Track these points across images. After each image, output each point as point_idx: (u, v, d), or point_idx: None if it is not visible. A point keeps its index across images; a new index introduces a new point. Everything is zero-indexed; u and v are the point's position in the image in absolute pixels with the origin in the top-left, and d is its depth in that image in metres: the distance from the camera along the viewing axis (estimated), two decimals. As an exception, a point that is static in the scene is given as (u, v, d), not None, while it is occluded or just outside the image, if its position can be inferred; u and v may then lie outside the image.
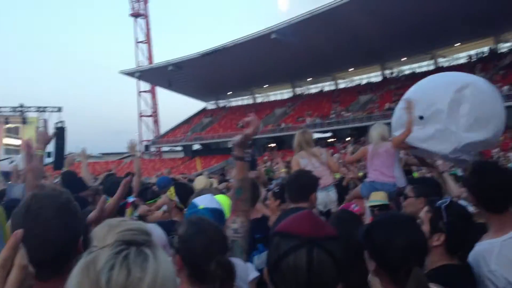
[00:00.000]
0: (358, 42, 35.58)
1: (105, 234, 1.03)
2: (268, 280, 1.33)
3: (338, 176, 7.78)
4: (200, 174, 10.80)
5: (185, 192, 3.66)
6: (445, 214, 2.15)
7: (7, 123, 38.03)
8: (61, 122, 36.32)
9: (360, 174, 8.45)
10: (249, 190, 2.47)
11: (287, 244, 1.25)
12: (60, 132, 35.31)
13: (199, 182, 5.64)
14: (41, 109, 39.09)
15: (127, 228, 1.04)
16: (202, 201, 2.61)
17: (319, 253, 1.22)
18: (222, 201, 2.80)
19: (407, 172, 5.83)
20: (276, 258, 1.26)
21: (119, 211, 3.23)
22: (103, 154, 59.65)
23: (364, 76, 46.57)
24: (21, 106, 37.86)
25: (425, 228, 2.14)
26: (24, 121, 38.96)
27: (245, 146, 2.51)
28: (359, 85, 45.80)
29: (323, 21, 32.45)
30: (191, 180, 7.67)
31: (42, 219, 1.48)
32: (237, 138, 2.47)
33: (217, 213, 2.46)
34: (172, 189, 3.66)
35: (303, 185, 3.27)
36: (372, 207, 4.16)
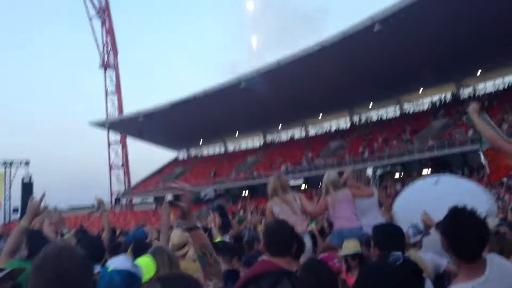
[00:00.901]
0: (326, 90, 36.56)
1: None
2: None
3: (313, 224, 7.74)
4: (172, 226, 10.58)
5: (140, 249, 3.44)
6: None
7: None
8: (28, 176, 35.72)
9: (312, 225, 8.35)
10: (214, 250, 2.44)
11: (271, 278, 1.31)
12: (27, 187, 34.37)
13: (175, 237, 5.52)
14: (7, 163, 38.15)
15: None
16: (113, 262, 2.45)
17: (296, 281, 1.30)
18: (144, 263, 2.64)
19: None
20: None
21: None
22: (72, 208, 58.07)
23: (334, 122, 47.53)
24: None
25: None
26: (-11, 176, 37.87)
27: (191, 216, 2.50)
28: (329, 131, 46.63)
29: (291, 70, 33.32)
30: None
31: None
32: (180, 213, 2.50)
33: (126, 274, 2.26)
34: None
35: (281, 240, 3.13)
36: (345, 256, 4.17)
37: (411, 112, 41.13)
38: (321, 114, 46.05)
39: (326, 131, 47.08)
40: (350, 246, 4.22)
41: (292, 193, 5.67)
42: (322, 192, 5.48)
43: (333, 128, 46.74)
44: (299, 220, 5.11)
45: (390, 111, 42.81)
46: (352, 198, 5.11)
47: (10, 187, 38.14)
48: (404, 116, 40.48)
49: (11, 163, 38.21)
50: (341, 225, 5.07)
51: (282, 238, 2.91)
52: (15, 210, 36.89)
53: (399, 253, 2.03)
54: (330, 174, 5.47)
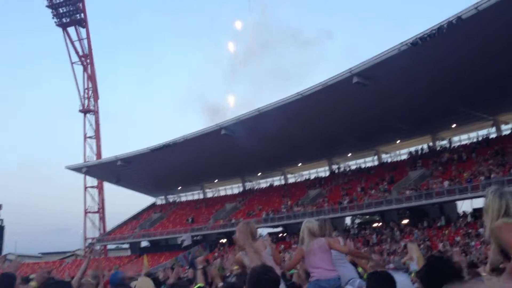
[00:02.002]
0: (306, 138, 36.96)
1: None
2: None
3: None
4: (149, 274, 10.29)
5: None
6: None
7: None
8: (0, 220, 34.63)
9: (293, 271, 8.21)
10: None
11: None
12: (-3, 231, 33.17)
13: (144, 284, 5.38)
14: (-22, 206, 37.06)
15: None
16: None
17: None
18: None
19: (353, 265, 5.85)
20: None
21: None
22: (44, 253, 56.21)
23: (313, 170, 47.72)
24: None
25: None
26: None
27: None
28: (308, 179, 46.76)
29: (271, 118, 33.66)
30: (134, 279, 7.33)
31: None
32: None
33: None
34: None
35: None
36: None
37: (389, 161, 41.69)
38: (300, 162, 46.30)
39: (305, 179, 47.20)
40: None
41: (261, 240, 5.58)
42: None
43: (312, 176, 46.92)
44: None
45: (368, 161, 43.33)
46: (328, 248, 5.05)
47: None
48: (382, 165, 41.00)
49: (-18, 207, 37.12)
50: (319, 275, 4.99)
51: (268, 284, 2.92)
52: (-17, 255, 35.51)
53: None
54: (308, 222, 5.42)
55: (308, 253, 5.12)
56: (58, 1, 58.91)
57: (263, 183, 51.11)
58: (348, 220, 40.91)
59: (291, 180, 49.12)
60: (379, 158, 42.28)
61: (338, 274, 4.99)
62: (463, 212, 31.38)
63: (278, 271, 5.27)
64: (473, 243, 25.70)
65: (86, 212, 58.02)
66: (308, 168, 47.76)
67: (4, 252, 35.56)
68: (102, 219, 58.43)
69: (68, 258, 51.98)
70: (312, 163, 46.25)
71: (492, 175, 28.20)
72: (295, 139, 36.93)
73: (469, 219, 29.73)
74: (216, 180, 52.81)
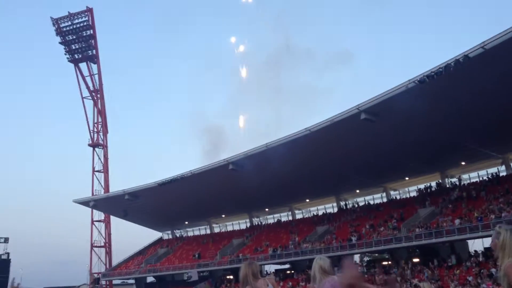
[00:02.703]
0: (314, 174, 36.87)
1: None
2: None
3: None
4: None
5: None
6: None
7: None
8: (6, 253, 34.54)
9: None
10: None
11: None
12: (4, 265, 33.12)
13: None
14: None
15: None
16: None
17: None
18: None
19: None
20: None
21: None
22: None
23: (321, 207, 47.32)
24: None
25: None
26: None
27: None
28: (316, 215, 46.35)
29: (279, 153, 33.70)
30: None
31: None
32: None
33: None
34: None
35: None
36: None
37: (397, 198, 41.30)
38: (308, 198, 46.01)
39: (313, 215, 46.78)
40: None
41: (263, 279, 5.56)
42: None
43: (320, 212, 46.52)
44: None
45: (376, 197, 42.96)
46: (338, 286, 4.98)
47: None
48: (391, 202, 40.61)
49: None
50: None
51: None
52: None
53: None
54: (320, 259, 5.37)
55: None
56: (71, 38, 60.46)
57: (271, 219, 50.70)
58: (356, 258, 40.25)
59: (299, 216, 48.71)
60: (388, 195, 41.92)
61: None
62: (475, 251, 30.80)
63: None
64: (484, 285, 25.11)
65: (92, 246, 57.67)
66: (316, 204, 47.40)
67: (9, 286, 35.33)
68: (108, 253, 58.01)
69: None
70: (319, 199, 45.93)
71: (503, 214, 27.80)
72: (302, 175, 36.85)
73: (480, 258, 29.16)
74: (223, 215, 52.51)
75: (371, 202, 42.61)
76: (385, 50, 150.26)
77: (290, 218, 48.77)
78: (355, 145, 32.68)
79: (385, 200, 41.76)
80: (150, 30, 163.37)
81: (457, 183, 37.00)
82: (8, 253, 34.51)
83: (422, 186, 39.68)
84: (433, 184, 38.74)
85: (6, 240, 36.51)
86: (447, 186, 37.37)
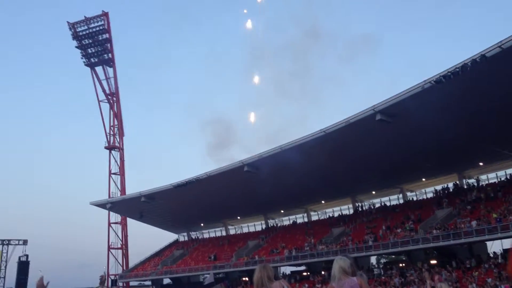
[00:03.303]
0: (329, 176, 36.75)
1: None
2: None
3: None
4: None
5: None
6: None
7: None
8: (25, 255, 35.06)
9: None
10: None
11: None
12: (23, 266, 33.52)
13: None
14: (5, 242, 37.61)
15: None
16: None
17: None
18: None
19: None
20: None
21: None
22: (66, 289, 56.25)
23: (336, 208, 47.14)
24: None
25: None
26: (-15, 254, 37.16)
27: None
28: (331, 217, 46.18)
29: (294, 155, 33.67)
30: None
31: None
32: None
33: None
34: None
35: None
36: None
37: (414, 199, 40.94)
38: (323, 199, 45.86)
39: (328, 217, 46.62)
40: None
41: (278, 281, 5.61)
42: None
43: (336, 214, 46.33)
44: None
45: (393, 199, 42.62)
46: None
47: (5, 266, 37.32)
48: (407, 204, 40.27)
49: (8, 242, 37.67)
50: None
51: None
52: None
53: None
54: (340, 259, 5.40)
55: None
56: (87, 42, 61.17)
57: (286, 221, 50.65)
58: (373, 260, 40.00)
59: (314, 217, 48.60)
60: (404, 196, 41.58)
61: None
62: (494, 252, 30.38)
63: None
64: (503, 287, 24.75)
65: (109, 248, 58.21)
66: (331, 206, 47.23)
67: (29, 286, 35.74)
68: (125, 255, 58.48)
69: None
70: (335, 200, 45.75)
71: (522, 215, 27.40)
72: (317, 176, 36.73)
73: (499, 260, 28.75)
74: (239, 217, 52.62)
75: (388, 204, 42.31)
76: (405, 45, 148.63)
77: (306, 219, 48.68)
78: (371, 146, 32.48)
79: (401, 201, 41.43)
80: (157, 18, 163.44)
81: (475, 184, 36.54)
82: (27, 255, 34.98)
83: (439, 187, 39.29)
84: (450, 185, 38.33)
85: (25, 242, 37.03)
86: (465, 187, 36.94)
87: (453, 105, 27.10)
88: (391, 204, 42.02)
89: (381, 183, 39.44)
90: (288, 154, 33.62)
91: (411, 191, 41.89)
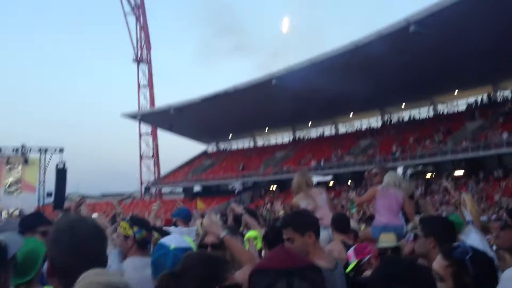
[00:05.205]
0: (358, 88, 36.05)
1: (79, 280, 1.18)
2: None
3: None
4: (203, 215, 10.81)
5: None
6: (471, 267, 1.90)
7: (8, 163, 38.08)
8: (62, 163, 36.70)
9: (353, 211, 8.49)
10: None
11: (265, 280, 1.21)
12: (61, 173, 35.25)
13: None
14: (42, 150, 39.28)
15: (94, 280, 1.19)
16: (171, 241, 2.55)
17: (299, 283, 1.18)
18: (189, 241, 2.72)
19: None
20: None
21: (146, 244, 3.26)
22: (104, 195, 59.45)
23: (364, 121, 46.97)
24: (23, 146, 37.96)
25: (448, 285, 1.93)
26: (26, 161, 39.05)
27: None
28: (359, 130, 46.18)
29: (323, 68, 33.10)
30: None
31: (81, 241, 1.73)
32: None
33: (189, 251, 2.38)
34: (125, 224, 3.38)
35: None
36: (383, 249, 4.18)
37: (445, 113, 40.26)
38: (352, 112, 45.61)
39: (356, 130, 46.64)
40: (390, 239, 4.27)
41: (317, 188, 5.79)
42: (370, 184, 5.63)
43: (364, 127, 46.23)
44: (325, 214, 5.20)
45: (423, 112, 42.03)
46: (401, 201, 5.17)
47: (44, 172, 39.33)
48: (437, 117, 39.70)
49: (46, 150, 39.33)
50: (388, 220, 5.12)
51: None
52: (49, 195, 38.05)
53: (467, 245, 2.01)
54: (395, 173, 5.62)
55: (383, 196, 5.23)
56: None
57: (314, 133, 51.02)
58: (399, 171, 40.35)
59: (342, 130, 48.72)
60: (435, 109, 40.88)
61: (404, 224, 5.12)
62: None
63: (330, 217, 5.43)
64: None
65: (141, 158, 60.29)
66: (360, 118, 47.07)
67: (67, 192, 37.76)
68: (157, 164, 60.60)
69: (126, 200, 54.80)
70: (363, 113, 45.44)
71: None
72: (347, 89, 36.14)
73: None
74: (267, 129, 53.16)
75: (417, 116, 41.80)
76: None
77: (333, 132, 48.89)
78: (403, 58, 31.46)
79: (432, 114, 40.83)
80: None
81: (510, 97, 35.48)
82: (64, 163, 36.45)
83: (471, 100, 38.38)
84: (484, 97, 37.34)
85: (61, 150, 38.47)
86: (499, 100, 35.95)
87: (492, 12, 25.57)
88: (421, 117, 41.52)
89: (412, 95, 38.68)
90: (318, 67, 33.07)
91: (443, 103, 41.09)
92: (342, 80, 34.30)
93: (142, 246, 3.24)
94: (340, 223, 4.72)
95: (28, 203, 34.12)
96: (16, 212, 28.62)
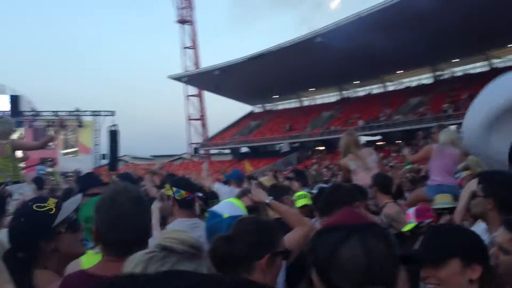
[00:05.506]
0: (407, 44, 34.75)
1: (159, 237, 1.26)
2: (318, 282, 1.24)
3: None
4: (251, 177, 11.04)
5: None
6: None
7: (64, 126, 39.74)
8: (114, 125, 37.81)
9: (408, 166, 8.34)
10: None
11: (336, 236, 1.21)
12: (113, 135, 36.48)
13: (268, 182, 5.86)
14: (95, 113, 40.70)
15: (171, 237, 1.23)
16: (224, 210, 2.57)
17: (372, 238, 1.19)
18: (241, 206, 2.73)
19: None
20: (328, 253, 1.20)
21: (188, 204, 3.35)
22: (154, 156, 61.18)
23: (414, 78, 45.46)
24: (77, 110, 39.36)
25: None
26: (80, 124, 40.74)
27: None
28: (408, 87, 44.78)
29: (370, 23, 32.00)
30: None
31: (126, 208, 1.83)
32: None
33: None
34: (167, 185, 3.48)
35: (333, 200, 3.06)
36: (439, 209, 4.06)
37: (501, 67, 38.28)
38: (400, 69, 44.17)
39: (405, 87, 45.25)
40: (447, 199, 4.16)
41: (366, 149, 5.70)
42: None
43: (414, 84, 44.77)
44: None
45: (477, 67, 40.11)
46: (458, 160, 5.03)
47: (98, 135, 40.95)
48: (493, 71, 37.76)
49: (98, 113, 40.73)
50: (443, 179, 5.02)
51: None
52: (103, 157, 39.60)
53: None
54: (453, 131, 5.45)
55: (439, 155, 5.12)
56: None
57: (361, 92, 49.97)
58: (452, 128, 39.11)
59: (390, 88, 47.43)
60: (490, 64, 38.91)
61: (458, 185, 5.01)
62: None
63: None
64: None
65: (188, 119, 61.23)
66: (409, 76, 45.58)
67: (120, 154, 39.09)
68: (204, 126, 61.46)
69: (176, 161, 56.25)
70: (413, 70, 43.91)
71: None
72: (394, 45, 34.86)
73: None
74: (313, 88, 52.51)
75: (471, 72, 39.99)
76: None
77: (381, 90, 47.70)
78: (456, 10, 29.84)
79: (486, 69, 38.94)
80: None
81: None
82: (115, 125, 37.57)
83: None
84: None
85: (112, 113, 39.65)
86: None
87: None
88: (475, 72, 39.70)
89: (465, 50, 36.92)
90: (366, 22, 31.99)
91: (498, 58, 39.04)
92: (391, 35, 33.04)
93: (184, 206, 3.31)
94: (385, 184, 4.64)
95: (85, 165, 35.63)
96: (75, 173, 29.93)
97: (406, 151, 7.73)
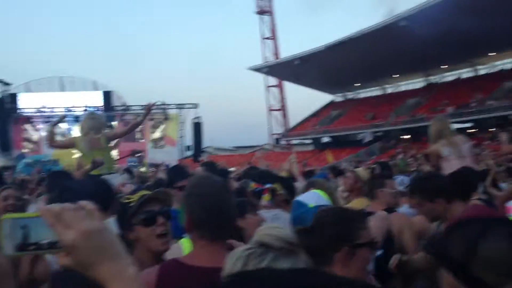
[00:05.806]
0: (500, 24, 32.39)
1: (256, 233, 1.24)
2: (453, 276, 1.26)
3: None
4: (334, 167, 10.90)
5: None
6: None
7: (151, 119, 41.77)
8: (198, 117, 39.12)
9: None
10: None
11: (476, 229, 1.22)
12: (197, 127, 37.70)
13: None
14: (180, 106, 42.33)
15: (268, 233, 1.21)
16: (310, 199, 2.58)
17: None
18: (325, 196, 2.72)
19: None
20: (469, 246, 1.21)
21: (258, 196, 3.39)
22: (236, 147, 62.44)
23: (508, 61, 42.29)
24: (163, 103, 41.07)
25: None
26: (166, 117, 42.62)
27: None
28: (502, 70, 41.75)
29: (459, 3, 30.17)
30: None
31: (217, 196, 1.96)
32: None
33: None
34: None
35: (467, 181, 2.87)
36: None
37: None
38: (493, 51, 41.24)
39: (499, 70, 42.24)
40: None
41: (460, 135, 5.40)
42: None
43: (508, 67, 41.67)
44: (469, 164, 4.85)
45: None
46: None
47: (183, 128, 42.59)
48: None
49: (182, 106, 42.32)
50: None
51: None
52: (188, 148, 41.12)
53: None
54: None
55: None
56: None
57: (449, 77, 47.39)
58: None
59: (482, 72, 44.54)
60: None
61: None
62: None
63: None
64: None
65: (269, 110, 61.75)
66: (503, 58, 42.47)
67: (204, 145, 40.27)
68: (285, 116, 61.69)
69: (257, 152, 57.01)
70: (507, 52, 40.81)
71: None
72: (487, 26, 32.64)
73: None
74: (396, 75, 50.66)
75: None
76: None
77: (472, 75, 44.95)
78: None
79: None
80: None
81: None
82: (199, 117, 38.77)
83: None
84: None
85: (196, 105, 40.94)
86: None
87: None
88: None
89: None
90: (451, 3, 30.23)
91: None
92: (481, 16, 31.01)
93: (258, 197, 3.37)
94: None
95: (171, 156, 37.23)
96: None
97: (504, 136, 7.15)
